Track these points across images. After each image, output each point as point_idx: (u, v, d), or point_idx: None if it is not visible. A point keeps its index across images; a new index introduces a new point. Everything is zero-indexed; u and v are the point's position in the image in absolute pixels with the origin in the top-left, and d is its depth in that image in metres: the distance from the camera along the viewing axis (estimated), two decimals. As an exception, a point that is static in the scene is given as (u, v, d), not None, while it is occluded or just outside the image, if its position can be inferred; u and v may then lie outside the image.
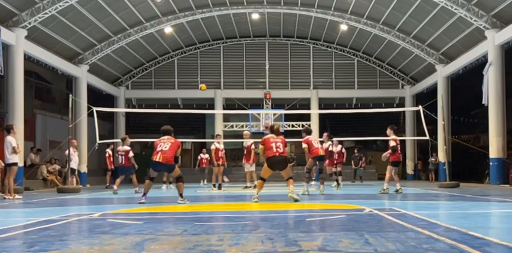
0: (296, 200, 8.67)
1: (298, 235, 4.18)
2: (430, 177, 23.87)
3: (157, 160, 8.79)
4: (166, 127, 9.31)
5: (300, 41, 29.63)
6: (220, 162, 15.00)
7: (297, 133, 29.38)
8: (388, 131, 11.86)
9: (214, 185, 15.13)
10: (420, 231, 4.38)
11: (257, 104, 28.68)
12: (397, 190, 11.33)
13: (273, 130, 9.38)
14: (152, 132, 29.80)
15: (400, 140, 13.86)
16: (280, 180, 27.78)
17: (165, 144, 8.89)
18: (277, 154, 8.91)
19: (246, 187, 15.36)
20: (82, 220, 6.02)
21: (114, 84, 28.48)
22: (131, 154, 13.28)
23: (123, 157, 13.23)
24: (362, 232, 4.35)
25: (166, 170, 9.50)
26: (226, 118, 29.20)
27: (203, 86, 17.63)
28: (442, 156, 22.32)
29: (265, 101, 28.67)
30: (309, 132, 12.04)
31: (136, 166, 13.62)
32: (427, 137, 17.22)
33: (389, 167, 11.38)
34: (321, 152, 11.56)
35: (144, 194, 9.06)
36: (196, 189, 15.80)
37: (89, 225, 5.61)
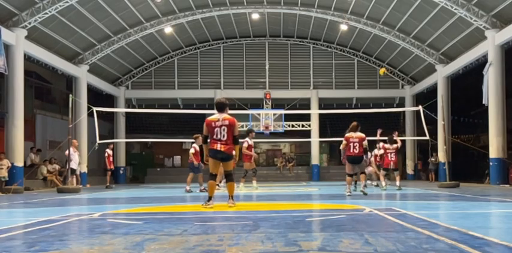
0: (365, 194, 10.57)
1: (298, 235, 4.18)
2: (430, 177, 23.87)
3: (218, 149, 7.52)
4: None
5: (300, 41, 29.62)
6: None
7: (297, 133, 29.47)
8: None
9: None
10: (420, 231, 4.38)
11: (257, 104, 28.67)
12: None
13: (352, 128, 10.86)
14: (152, 132, 29.91)
15: (400, 140, 13.98)
16: (280, 180, 27.61)
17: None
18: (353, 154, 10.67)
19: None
20: (82, 220, 6.02)
21: (114, 84, 28.47)
22: None
23: None
24: (362, 232, 4.35)
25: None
26: (226, 118, 29.16)
27: (383, 70, 16.51)
28: (442, 156, 22.31)
29: (265, 101, 28.66)
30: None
31: None
32: (427, 137, 17.23)
33: None
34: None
35: (210, 198, 7.58)
36: (196, 189, 15.77)
37: (89, 225, 5.61)
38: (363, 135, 10.80)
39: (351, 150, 10.63)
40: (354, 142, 10.62)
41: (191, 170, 13.66)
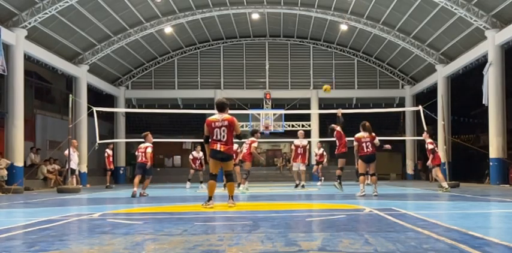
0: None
1: (298, 235, 4.18)
2: (430, 177, 23.83)
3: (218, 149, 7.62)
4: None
5: (300, 41, 29.63)
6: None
7: (297, 133, 29.42)
8: None
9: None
10: (420, 231, 4.38)
11: (257, 104, 28.67)
12: None
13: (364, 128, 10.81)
14: (152, 132, 29.86)
15: (400, 140, 13.96)
16: (280, 180, 27.60)
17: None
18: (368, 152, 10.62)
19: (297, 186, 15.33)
20: (82, 220, 6.02)
21: (114, 84, 28.48)
22: None
23: None
24: (362, 232, 4.35)
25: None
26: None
27: (326, 88, 13.98)
28: (442, 156, 22.27)
29: (265, 101, 28.66)
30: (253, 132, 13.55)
31: None
32: (427, 137, 17.18)
33: None
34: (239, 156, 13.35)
35: (210, 198, 7.60)
36: (196, 189, 15.80)
37: (89, 225, 5.61)
38: (372, 134, 10.92)
39: (365, 150, 10.69)
40: (366, 142, 10.72)
41: (147, 172, 11.56)
